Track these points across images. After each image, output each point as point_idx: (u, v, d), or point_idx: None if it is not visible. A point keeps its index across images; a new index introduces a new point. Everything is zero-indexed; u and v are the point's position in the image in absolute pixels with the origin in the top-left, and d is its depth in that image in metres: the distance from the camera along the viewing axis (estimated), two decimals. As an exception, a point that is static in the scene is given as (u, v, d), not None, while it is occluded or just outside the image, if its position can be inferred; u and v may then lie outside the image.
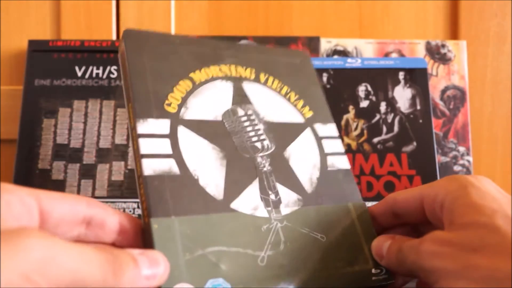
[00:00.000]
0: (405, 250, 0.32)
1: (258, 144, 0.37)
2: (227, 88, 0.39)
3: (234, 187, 0.34)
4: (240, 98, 0.39)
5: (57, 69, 0.57)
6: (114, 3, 0.64)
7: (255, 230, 0.33)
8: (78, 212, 0.29)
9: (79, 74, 0.57)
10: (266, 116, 0.39)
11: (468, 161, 0.61)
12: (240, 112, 0.38)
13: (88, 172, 0.54)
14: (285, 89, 0.42)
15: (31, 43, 0.58)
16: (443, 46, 0.64)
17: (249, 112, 0.39)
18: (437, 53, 0.64)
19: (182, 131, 0.35)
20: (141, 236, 0.31)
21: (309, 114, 0.42)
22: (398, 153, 0.57)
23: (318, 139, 0.41)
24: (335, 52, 0.63)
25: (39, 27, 0.63)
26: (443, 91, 0.63)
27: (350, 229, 0.37)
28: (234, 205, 0.33)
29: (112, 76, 0.57)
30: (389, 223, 0.37)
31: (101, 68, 0.58)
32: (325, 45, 0.63)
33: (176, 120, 0.35)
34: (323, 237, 0.35)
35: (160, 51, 0.38)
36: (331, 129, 0.43)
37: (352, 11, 0.67)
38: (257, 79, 0.41)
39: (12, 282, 0.20)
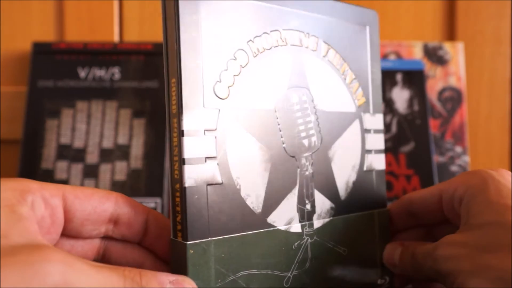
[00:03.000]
0: (420, 256, 0.32)
1: (306, 141, 0.32)
2: (285, 63, 0.32)
3: (273, 197, 0.30)
4: (297, 78, 0.32)
5: (60, 70, 0.58)
6: (116, 4, 0.64)
7: (287, 249, 0.31)
8: (105, 211, 0.27)
9: (82, 75, 0.58)
10: (319, 103, 0.33)
11: (465, 161, 0.62)
12: (295, 98, 0.32)
13: (91, 172, 0.55)
14: (344, 66, 0.35)
15: (35, 45, 0.59)
16: (441, 48, 0.65)
17: (304, 98, 0.32)
18: (434, 55, 0.64)
19: (230, 125, 0.28)
20: (169, 248, 0.29)
21: (362, 101, 0.36)
22: (396, 153, 0.58)
23: (363, 132, 0.36)
24: (334, 53, 0.64)
25: (42, 28, 0.64)
26: (441, 92, 0.64)
27: (369, 240, 0.35)
28: (271, 218, 0.30)
29: (114, 78, 0.58)
30: (404, 224, 0.37)
31: (103, 69, 0.58)
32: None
33: (226, 109, 0.28)
34: (345, 250, 0.33)
35: (220, 4, 0.29)
36: (378, 120, 0.37)
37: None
38: (318, 52, 0.34)
39: None
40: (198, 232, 0.27)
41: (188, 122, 0.27)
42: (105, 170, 0.55)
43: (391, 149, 0.58)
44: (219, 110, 0.28)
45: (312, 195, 0.32)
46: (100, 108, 0.57)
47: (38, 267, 0.20)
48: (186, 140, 0.27)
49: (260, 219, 0.29)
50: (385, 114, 0.60)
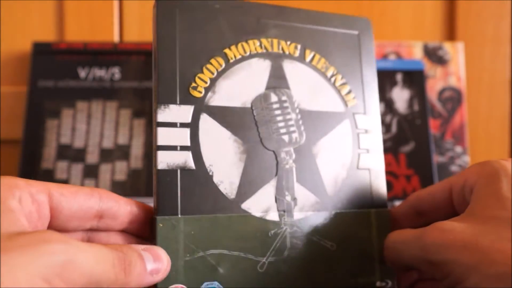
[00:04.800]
0: (400, 243, 0.31)
1: (286, 137, 0.34)
2: (263, 68, 0.34)
3: (249, 185, 0.32)
4: (277, 80, 0.35)
5: (60, 70, 0.58)
6: (116, 4, 0.64)
7: (262, 235, 0.32)
8: (91, 208, 0.29)
9: (82, 75, 0.58)
10: (302, 102, 0.35)
11: (465, 161, 0.62)
12: (273, 98, 0.34)
13: (91, 172, 0.55)
14: (331, 70, 0.37)
15: (35, 45, 0.59)
16: (441, 48, 0.65)
17: (283, 98, 0.34)
18: (434, 55, 0.64)
19: (204, 119, 0.32)
20: (149, 226, 0.31)
21: (353, 102, 0.37)
22: (396, 153, 0.58)
23: (355, 132, 0.37)
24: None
25: (42, 28, 0.64)
26: (441, 92, 0.64)
27: (364, 239, 0.34)
28: (245, 205, 0.32)
29: (114, 78, 0.58)
30: (412, 224, 0.35)
31: (103, 69, 0.58)
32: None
33: (200, 106, 0.32)
34: (333, 245, 0.33)
35: (196, 18, 0.33)
36: (374, 120, 0.38)
37: (351, 13, 0.68)
38: (301, 57, 0.36)
39: (33, 285, 0.21)
40: (168, 208, 0.30)
41: (163, 116, 0.31)
42: (105, 170, 0.55)
43: (391, 149, 0.58)
44: (193, 107, 0.32)
45: (293, 188, 0.33)
46: (100, 108, 0.57)
47: (41, 247, 0.21)
48: (159, 130, 0.31)
49: (233, 205, 0.32)
50: (385, 114, 0.60)
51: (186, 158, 0.31)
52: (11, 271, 0.20)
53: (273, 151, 0.33)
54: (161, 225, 0.29)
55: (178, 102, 0.31)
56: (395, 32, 0.68)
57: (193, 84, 0.32)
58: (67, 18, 0.64)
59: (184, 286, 0.29)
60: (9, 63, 0.64)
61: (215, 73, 0.33)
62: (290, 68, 0.35)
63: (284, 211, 0.33)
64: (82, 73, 0.58)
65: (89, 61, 0.59)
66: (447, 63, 0.64)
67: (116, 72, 0.58)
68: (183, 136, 0.31)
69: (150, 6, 0.64)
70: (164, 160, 0.30)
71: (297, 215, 0.33)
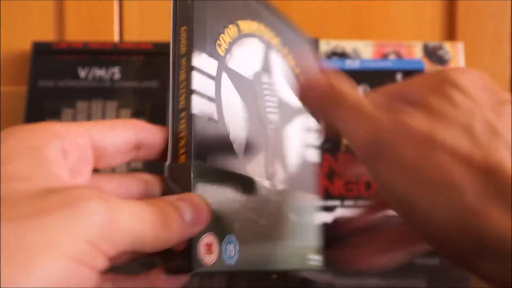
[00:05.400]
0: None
1: (270, 115, 0.37)
2: (260, 49, 0.37)
3: (250, 151, 0.33)
4: (266, 64, 0.37)
5: (60, 70, 0.58)
6: (116, 4, 0.65)
7: (262, 198, 0.33)
8: (129, 140, 0.27)
9: (82, 75, 0.58)
10: (279, 90, 0.38)
11: (465, 161, 0.62)
12: (265, 78, 0.37)
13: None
14: (297, 70, 0.41)
15: (35, 45, 0.59)
16: (441, 48, 0.65)
17: (271, 81, 0.38)
18: (434, 55, 0.64)
19: (225, 78, 0.32)
20: (166, 176, 0.28)
21: None
22: (396, 153, 0.58)
23: (305, 128, 0.42)
24: (334, 53, 0.64)
25: (42, 28, 0.64)
26: (441, 92, 0.64)
27: (313, 219, 0.41)
28: (248, 169, 0.33)
29: (114, 78, 0.58)
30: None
31: (103, 69, 0.58)
32: (324, 46, 0.64)
33: (222, 64, 0.32)
34: (297, 219, 0.38)
35: None
36: (314, 121, 0.42)
37: (351, 13, 0.68)
38: (280, 51, 0.40)
39: (80, 250, 0.19)
40: (201, 154, 0.29)
41: (198, 61, 0.30)
42: (105, 170, 0.55)
43: (391, 149, 0.58)
44: (217, 63, 0.32)
45: (273, 162, 0.36)
46: (100, 108, 0.57)
47: (81, 207, 0.19)
48: (195, 74, 0.29)
49: (242, 166, 0.32)
50: (385, 114, 0.60)
51: (212, 110, 0.30)
52: (53, 236, 0.18)
53: (264, 126, 0.36)
54: (197, 169, 0.28)
55: (207, 53, 0.31)
56: (395, 32, 0.68)
57: (218, 42, 0.32)
58: (67, 18, 0.64)
59: (214, 237, 0.28)
60: (9, 63, 0.64)
61: (232, 39, 0.34)
62: (274, 58, 0.38)
63: (270, 181, 0.35)
64: (82, 73, 0.58)
65: (89, 61, 0.59)
66: (447, 63, 0.64)
67: (116, 72, 0.58)
68: (211, 87, 0.31)
69: (150, 6, 0.65)
70: (198, 105, 0.29)
71: (278, 186, 0.36)
